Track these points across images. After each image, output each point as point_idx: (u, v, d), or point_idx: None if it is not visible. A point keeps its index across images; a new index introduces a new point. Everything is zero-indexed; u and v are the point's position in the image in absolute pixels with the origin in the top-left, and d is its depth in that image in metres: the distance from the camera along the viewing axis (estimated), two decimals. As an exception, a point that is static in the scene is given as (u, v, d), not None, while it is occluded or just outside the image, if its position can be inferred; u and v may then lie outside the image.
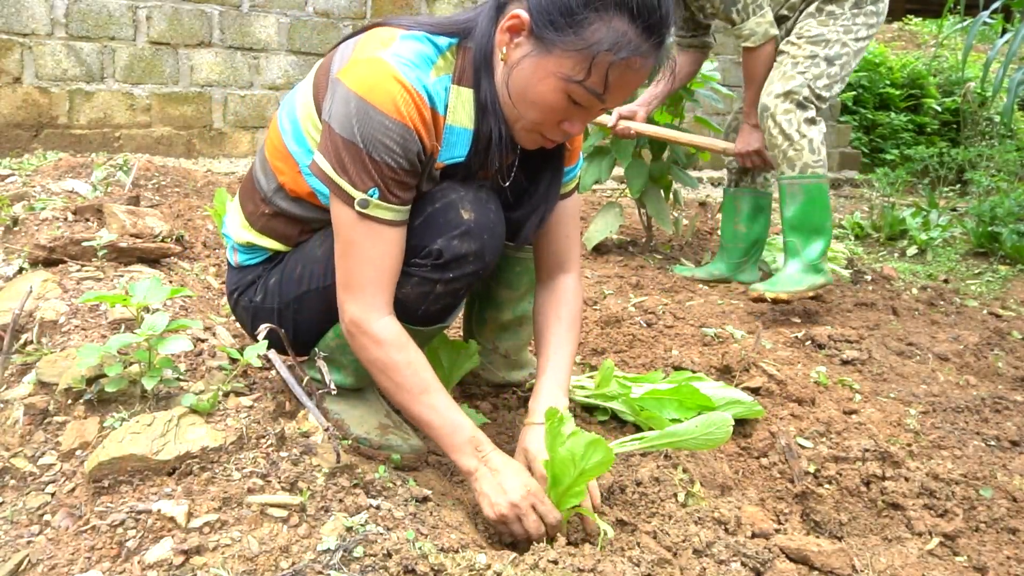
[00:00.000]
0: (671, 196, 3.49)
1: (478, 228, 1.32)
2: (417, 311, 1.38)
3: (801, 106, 2.66)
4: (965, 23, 5.17)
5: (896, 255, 4.16)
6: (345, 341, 1.40)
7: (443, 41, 1.29)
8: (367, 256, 1.26)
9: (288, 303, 1.44)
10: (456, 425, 1.30)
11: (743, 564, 1.27)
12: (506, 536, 1.29)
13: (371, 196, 1.23)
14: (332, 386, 1.38)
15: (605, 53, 1.15)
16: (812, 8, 2.74)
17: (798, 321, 2.75)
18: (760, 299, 2.64)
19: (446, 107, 1.29)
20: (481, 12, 1.30)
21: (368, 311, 1.28)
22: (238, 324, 1.82)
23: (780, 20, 2.84)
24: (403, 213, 1.28)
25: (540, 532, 1.27)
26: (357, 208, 1.23)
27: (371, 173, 1.22)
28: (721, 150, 3.00)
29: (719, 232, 3.45)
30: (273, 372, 1.52)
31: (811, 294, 2.65)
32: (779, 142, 2.69)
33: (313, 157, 1.29)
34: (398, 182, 1.24)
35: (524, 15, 1.20)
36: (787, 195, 2.74)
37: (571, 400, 1.68)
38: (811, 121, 2.67)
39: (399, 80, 1.20)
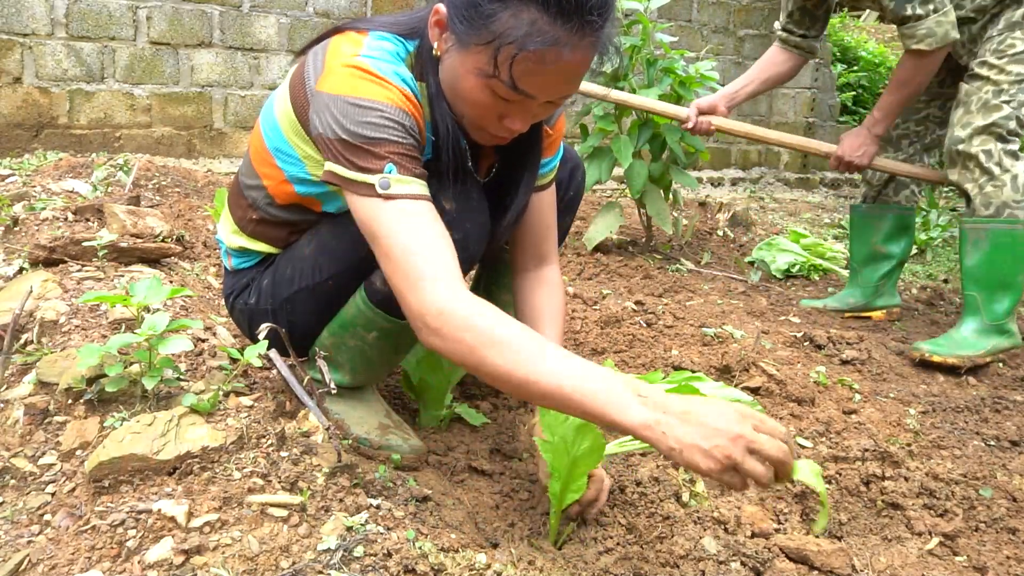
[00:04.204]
0: (671, 196, 3.49)
1: (460, 217, 1.31)
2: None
3: (1003, 139, 2.29)
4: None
5: (896, 255, 4.15)
6: (340, 340, 1.40)
7: (410, 43, 1.29)
8: (413, 240, 1.13)
9: (281, 303, 1.44)
10: (594, 372, 1.03)
11: (743, 564, 1.27)
12: (737, 486, 1.00)
13: (389, 173, 1.16)
14: (332, 386, 1.38)
15: (508, 46, 1.09)
16: (1017, 15, 2.31)
17: (797, 321, 2.75)
18: (924, 362, 2.32)
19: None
20: (430, 8, 1.28)
21: (449, 296, 1.09)
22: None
23: (963, 23, 2.40)
24: (425, 187, 1.20)
25: (782, 454, 1.00)
26: (380, 191, 1.15)
27: (379, 154, 1.16)
28: (824, 153, 2.67)
29: (848, 253, 3.12)
30: (273, 372, 1.52)
31: (989, 359, 2.33)
32: (976, 176, 2.31)
33: (325, 168, 1.24)
34: (407, 156, 1.18)
35: (443, 10, 1.19)
36: (969, 241, 2.35)
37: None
38: (1014, 155, 2.30)
39: (378, 76, 1.19)
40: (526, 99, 1.17)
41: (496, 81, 1.14)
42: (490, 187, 1.43)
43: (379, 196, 1.15)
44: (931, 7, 2.26)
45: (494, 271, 1.76)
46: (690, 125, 2.78)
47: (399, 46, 1.27)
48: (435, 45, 1.23)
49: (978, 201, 2.31)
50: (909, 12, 2.27)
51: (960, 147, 2.32)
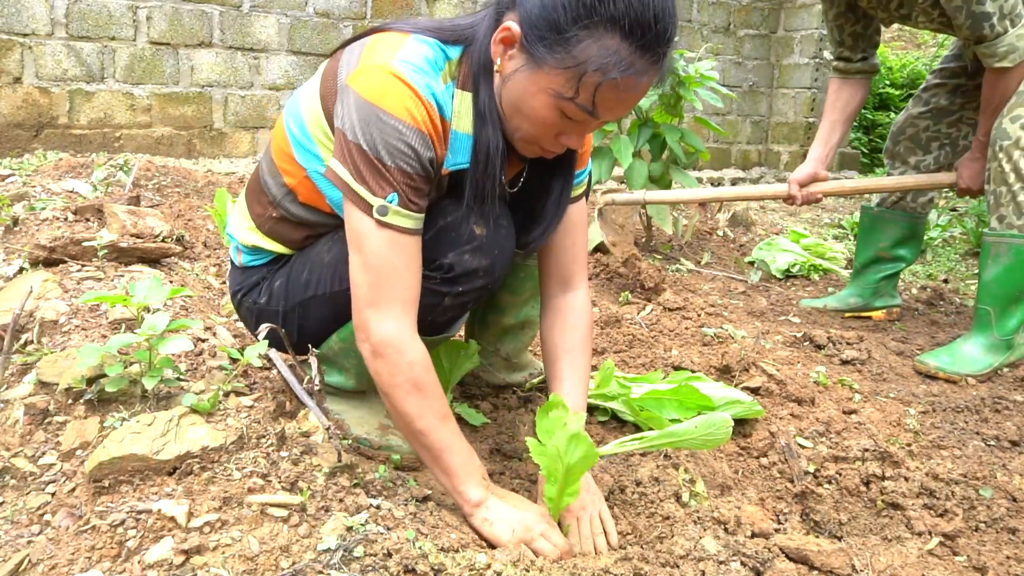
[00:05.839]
0: (671, 196, 3.49)
1: (489, 243, 1.31)
2: (423, 322, 1.37)
3: None
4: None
5: (896, 255, 4.15)
6: (349, 345, 1.39)
7: (452, 49, 1.27)
8: (392, 268, 1.22)
9: (294, 306, 1.44)
10: (471, 453, 1.30)
11: (743, 564, 1.27)
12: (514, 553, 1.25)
13: (390, 202, 1.20)
14: (317, 383, 1.37)
15: (593, 73, 1.12)
16: None
17: (797, 321, 2.75)
18: (929, 375, 2.29)
19: (452, 112, 1.27)
20: (482, 18, 1.28)
21: (403, 330, 1.24)
22: (239, 324, 1.82)
23: None
24: (420, 221, 1.25)
25: (566, 547, 1.26)
26: (376, 216, 1.20)
27: (388, 179, 1.19)
28: (947, 185, 2.54)
29: (853, 256, 3.18)
30: (273, 372, 1.52)
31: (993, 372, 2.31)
32: (1011, 181, 2.19)
33: (328, 163, 1.26)
34: (414, 188, 1.22)
35: (515, 28, 1.18)
36: (990, 254, 2.25)
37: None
38: None
39: (409, 85, 1.19)
40: (589, 119, 1.20)
41: (570, 103, 1.17)
42: (518, 195, 1.43)
43: (373, 219, 1.20)
44: (1008, 23, 2.18)
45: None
46: (798, 203, 2.68)
47: (439, 53, 1.26)
48: (497, 61, 1.23)
49: (1008, 208, 2.22)
50: (987, 31, 2.19)
51: (1005, 142, 2.22)
